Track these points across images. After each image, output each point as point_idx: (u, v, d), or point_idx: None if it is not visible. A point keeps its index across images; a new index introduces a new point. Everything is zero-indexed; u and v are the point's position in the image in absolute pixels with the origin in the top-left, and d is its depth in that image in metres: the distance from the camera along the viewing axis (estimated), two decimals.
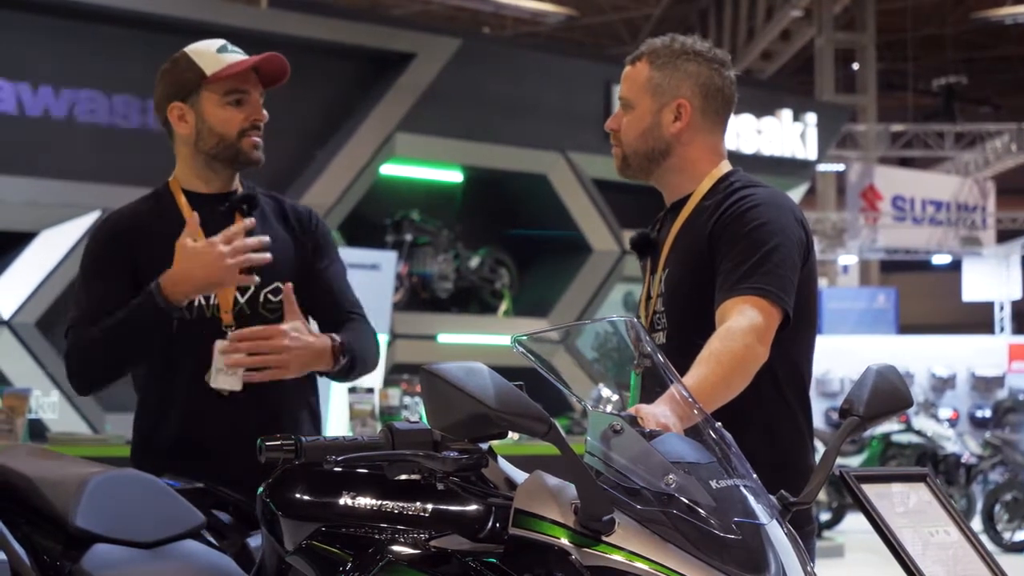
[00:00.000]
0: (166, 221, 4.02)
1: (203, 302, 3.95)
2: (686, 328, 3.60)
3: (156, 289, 3.83)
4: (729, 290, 3.50)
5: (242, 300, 3.97)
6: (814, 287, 3.74)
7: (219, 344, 3.89)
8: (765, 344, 3.43)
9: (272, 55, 4.04)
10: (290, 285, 3.94)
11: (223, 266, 3.83)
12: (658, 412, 2.90)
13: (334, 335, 3.97)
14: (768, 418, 3.60)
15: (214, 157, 4.03)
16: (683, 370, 3.25)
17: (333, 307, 4.14)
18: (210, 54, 4.02)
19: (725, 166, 3.81)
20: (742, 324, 3.40)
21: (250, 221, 3.93)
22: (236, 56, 4.03)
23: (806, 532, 3.59)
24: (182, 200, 4.06)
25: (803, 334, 3.69)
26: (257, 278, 3.90)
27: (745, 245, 3.55)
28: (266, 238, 3.91)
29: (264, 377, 3.86)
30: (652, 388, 3.00)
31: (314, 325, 4.16)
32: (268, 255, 3.89)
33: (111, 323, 3.90)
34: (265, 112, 4.06)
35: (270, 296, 4.00)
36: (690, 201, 3.76)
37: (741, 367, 3.37)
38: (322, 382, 4.19)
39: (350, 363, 4.00)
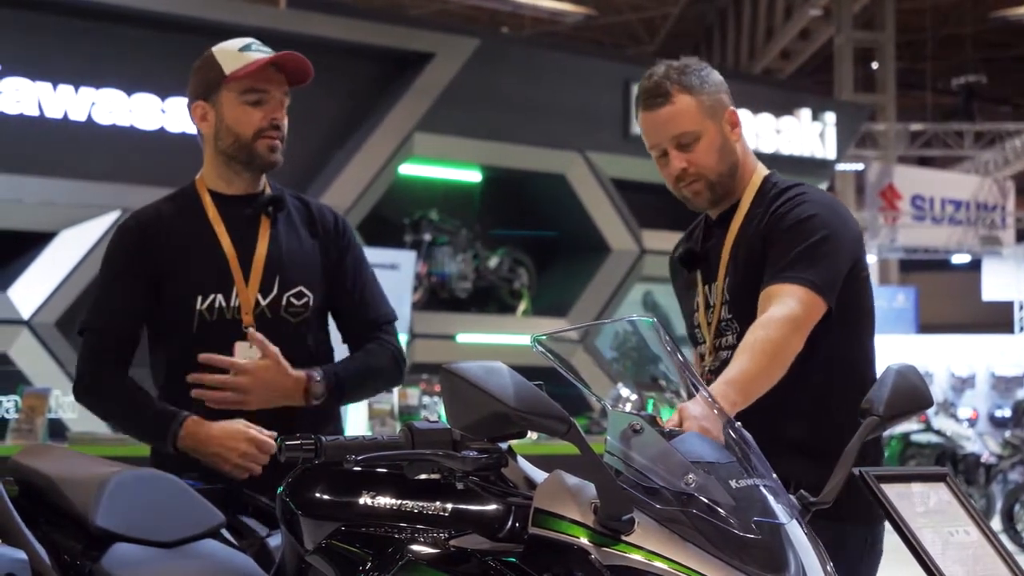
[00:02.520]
0: (188, 220, 4.02)
1: (224, 304, 3.94)
2: None
3: (178, 427, 3.83)
4: (774, 276, 3.60)
5: (264, 303, 3.95)
6: (869, 287, 3.82)
7: (240, 345, 3.89)
8: (802, 335, 3.50)
9: (288, 53, 4.01)
10: (259, 336, 3.93)
11: (233, 460, 3.80)
12: (699, 415, 2.91)
13: (315, 372, 3.94)
14: (836, 415, 3.62)
15: (231, 157, 4.02)
16: None
17: (357, 316, 4.12)
18: (232, 53, 4.00)
19: (762, 169, 3.92)
20: (782, 313, 3.48)
21: (272, 445, 3.83)
22: (259, 55, 4.00)
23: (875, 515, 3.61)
24: (207, 200, 4.05)
25: (868, 333, 3.79)
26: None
27: (795, 234, 3.64)
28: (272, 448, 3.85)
29: (223, 405, 3.89)
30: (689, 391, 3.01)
31: (336, 337, 4.16)
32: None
33: (125, 401, 3.95)
34: (284, 114, 4.04)
35: (292, 299, 3.98)
36: (739, 209, 3.84)
37: (780, 357, 3.45)
38: None
39: (336, 397, 3.99)
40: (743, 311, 3.72)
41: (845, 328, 3.68)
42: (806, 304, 3.52)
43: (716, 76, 3.87)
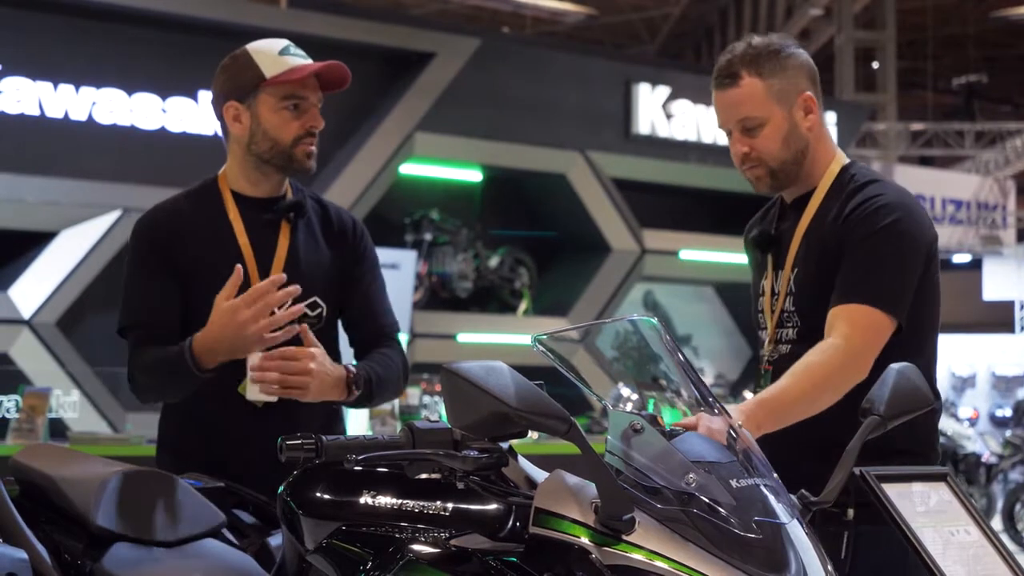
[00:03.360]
0: (208, 221, 3.98)
1: None
2: (818, 327, 3.63)
3: (188, 350, 3.78)
4: (845, 294, 3.56)
5: (279, 312, 3.91)
6: (938, 287, 3.77)
7: (252, 356, 3.85)
8: (863, 364, 3.50)
9: (335, 64, 3.97)
10: (305, 327, 3.86)
11: (246, 334, 3.74)
12: (717, 429, 2.90)
13: (351, 366, 3.92)
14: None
15: (266, 161, 3.97)
16: None
17: (367, 324, 4.09)
18: (271, 55, 3.95)
19: (842, 157, 3.84)
20: (842, 343, 3.48)
21: (280, 276, 3.79)
22: (298, 60, 3.96)
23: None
24: (229, 201, 4.01)
25: (930, 336, 3.75)
26: (279, 336, 3.79)
27: (870, 245, 3.59)
28: (296, 287, 3.79)
29: (282, 394, 3.81)
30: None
31: (344, 340, 4.14)
32: (300, 307, 3.82)
33: (151, 363, 3.88)
34: (322, 120, 4.00)
35: (307, 310, 3.93)
36: (814, 198, 3.78)
37: (830, 386, 3.45)
38: None
39: (366, 395, 3.94)
40: (806, 306, 3.70)
41: (914, 335, 3.65)
42: (878, 328, 3.51)
43: (798, 59, 3.78)
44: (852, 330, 3.49)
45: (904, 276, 3.59)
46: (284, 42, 4.00)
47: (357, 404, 3.99)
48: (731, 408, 3.00)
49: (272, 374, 3.76)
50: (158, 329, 3.93)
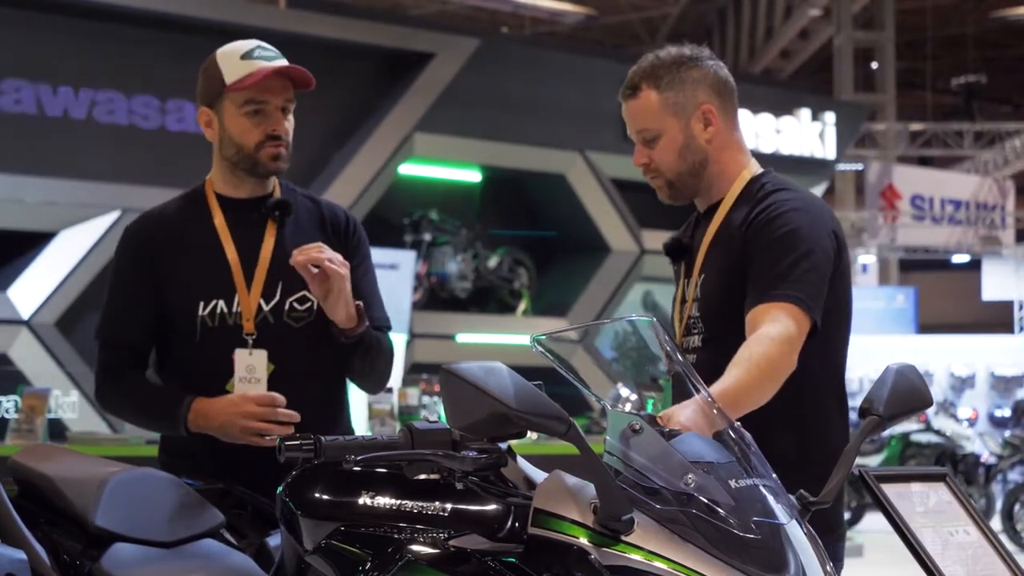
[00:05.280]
0: (193, 223, 4.00)
1: (225, 310, 3.90)
2: (722, 332, 3.61)
3: (185, 407, 3.82)
4: (761, 295, 3.52)
5: (266, 308, 3.91)
6: (848, 288, 3.74)
7: (239, 352, 3.86)
8: (796, 354, 3.45)
9: (292, 67, 3.94)
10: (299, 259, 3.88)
11: (242, 424, 3.77)
12: (683, 418, 2.90)
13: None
14: (806, 417, 3.60)
15: (235, 165, 3.99)
16: (718, 372, 3.32)
17: None
18: (233, 60, 3.94)
19: (755, 167, 3.81)
20: (779, 331, 3.42)
21: (281, 399, 3.83)
22: (261, 62, 3.92)
23: (837, 535, 3.60)
24: (213, 203, 4.02)
25: (841, 335, 3.72)
26: (270, 439, 3.79)
27: (777, 250, 3.56)
28: (295, 415, 3.81)
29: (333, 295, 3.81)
30: (683, 391, 3.00)
31: None
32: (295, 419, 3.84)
33: (138, 397, 3.97)
34: (287, 123, 3.97)
35: (295, 304, 3.93)
36: (722, 206, 3.76)
37: (774, 373, 3.40)
38: None
39: (366, 340, 3.93)
40: (710, 312, 3.68)
41: (824, 332, 3.58)
42: (799, 323, 3.46)
43: (700, 71, 3.75)
44: (784, 321, 3.45)
45: (815, 278, 3.54)
46: (252, 43, 3.98)
47: (356, 349, 3.96)
48: (686, 403, 2.99)
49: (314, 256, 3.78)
50: (126, 347, 4.00)
